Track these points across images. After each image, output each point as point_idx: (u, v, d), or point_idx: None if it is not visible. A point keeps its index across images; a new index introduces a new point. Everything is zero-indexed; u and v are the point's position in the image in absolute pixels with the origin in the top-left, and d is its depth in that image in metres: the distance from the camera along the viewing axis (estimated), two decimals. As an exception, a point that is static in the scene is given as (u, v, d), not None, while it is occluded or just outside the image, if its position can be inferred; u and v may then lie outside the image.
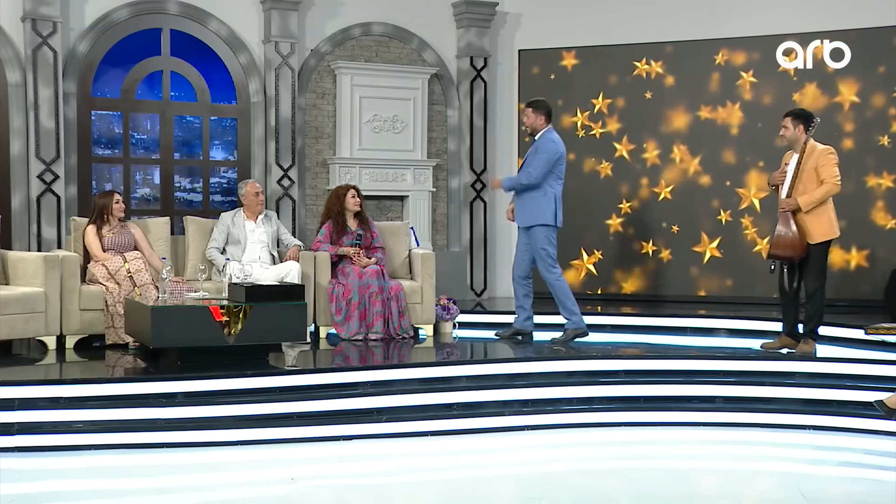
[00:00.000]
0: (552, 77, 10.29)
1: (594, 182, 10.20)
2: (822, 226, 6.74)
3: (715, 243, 9.86)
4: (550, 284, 7.59)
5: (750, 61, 9.72)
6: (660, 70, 9.96)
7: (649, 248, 10.02)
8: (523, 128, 7.63)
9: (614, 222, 10.18)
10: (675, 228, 9.95)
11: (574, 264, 10.28)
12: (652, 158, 10.02)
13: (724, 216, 9.77)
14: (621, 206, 10.14)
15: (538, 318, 7.99)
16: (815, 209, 6.71)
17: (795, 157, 6.83)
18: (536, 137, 7.57)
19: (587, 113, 10.17)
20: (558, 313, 8.85)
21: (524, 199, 7.57)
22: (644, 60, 9.97)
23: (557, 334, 7.66)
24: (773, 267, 6.94)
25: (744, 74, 9.72)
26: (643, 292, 10.05)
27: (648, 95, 9.98)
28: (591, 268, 10.24)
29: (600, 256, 10.20)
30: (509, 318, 7.95)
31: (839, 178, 6.70)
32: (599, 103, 10.15)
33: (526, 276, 7.72)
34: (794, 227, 6.69)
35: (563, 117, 10.24)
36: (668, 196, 9.99)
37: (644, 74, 10.00)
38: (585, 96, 10.20)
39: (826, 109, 9.33)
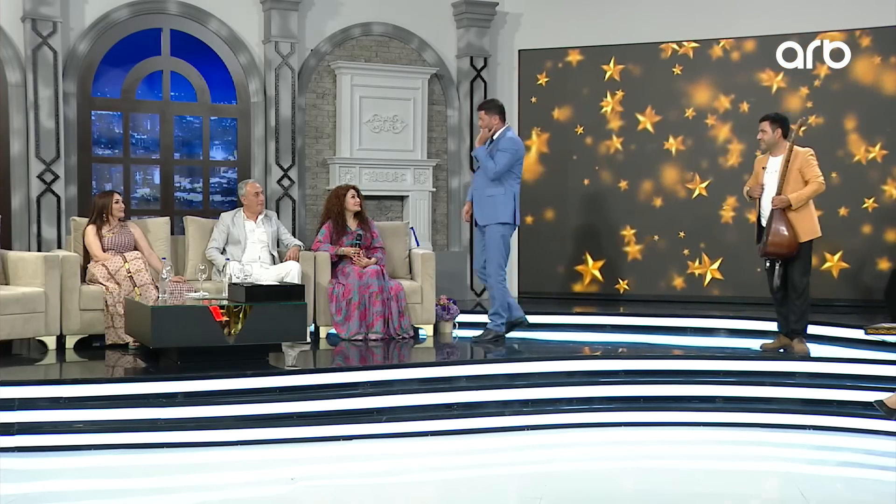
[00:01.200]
0: (560, 66, 10.27)
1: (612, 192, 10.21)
2: (809, 224, 6.91)
3: (716, 264, 9.85)
4: (491, 285, 7.63)
5: (751, 61, 9.73)
6: (683, 50, 9.96)
7: (694, 268, 10.01)
8: (484, 131, 7.68)
9: (630, 244, 10.18)
10: (682, 234, 9.95)
11: (579, 269, 10.27)
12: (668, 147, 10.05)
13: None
14: (628, 230, 10.13)
15: (537, 318, 7.99)
16: (801, 208, 6.87)
17: (774, 160, 6.99)
18: (495, 137, 7.60)
19: (619, 96, 10.10)
20: (557, 313, 8.92)
21: (484, 197, 7.58)
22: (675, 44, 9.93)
23: (556, 334, 7.65)
24: (767, 264, 7.01)
25: (749, 74, 9.74)
26: (643, 292, 10.05)
27: (677, 70, 9.93)
28: (597, 273, 10.22)
29: (628, 277, 10.20)
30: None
31: (822, 177, 6.91)
32: (611, 69, 10.11)
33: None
34: (787, 226, 6.81)
35: (556, 111, 10.26)
36: (704, 192, 9.93)
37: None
38: (589, 93, 10.21)
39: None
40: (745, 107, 9.71)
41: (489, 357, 7.18)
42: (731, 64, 9.78)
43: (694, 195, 9.90)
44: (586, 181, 10.23)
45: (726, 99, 9.79)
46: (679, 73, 9.92)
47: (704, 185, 9.87)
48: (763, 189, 7.00)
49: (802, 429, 6.40)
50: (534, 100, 10.34)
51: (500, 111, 7.66)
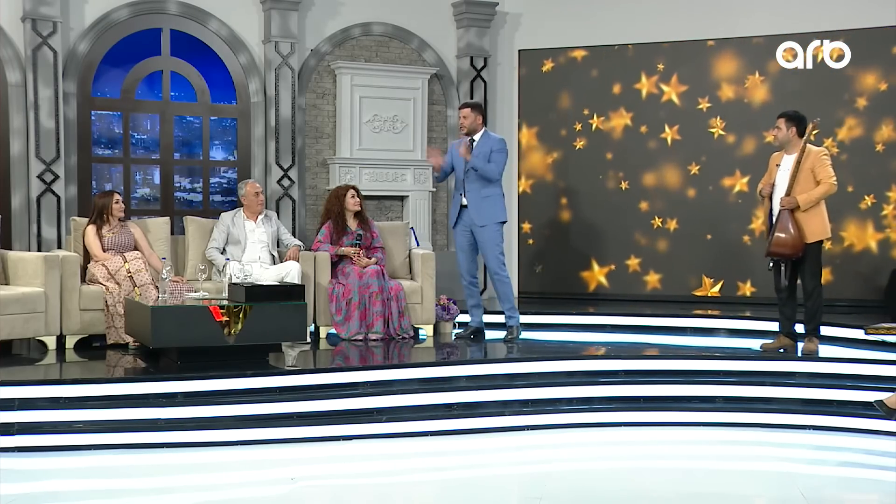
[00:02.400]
0: (563, 63, 10.27)
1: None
2: (817, 225, 6.86)
3: (717, 287, 9.82)
4: (500, 280, 7.69)
5: (750, 61, 9.73)
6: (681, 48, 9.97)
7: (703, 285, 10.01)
8: (464, 130, 7.71)
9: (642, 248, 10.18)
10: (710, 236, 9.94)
11: (584, 276, 10.24)
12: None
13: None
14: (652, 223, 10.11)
15: (537, 319, 7.96)
16: (810, 209, 6.82)
17: (787, 158, 6.95)
18: (477, 137, 7.67)
19: (654, 77, 10.01)
20: (557, 312, 8.91)
21: (480, 199, 7.62)
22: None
23: (556, 334, 7.64)
24: (771, 265, 7.00)
25: (750, 76, 9.73)
26: (643, 292, 10.05)
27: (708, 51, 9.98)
28: (603, 280, 10.20)
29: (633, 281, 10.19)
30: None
31: (835, 178, 6.85)
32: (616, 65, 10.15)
33: (476, 276, 7.88)
34: (793, 226, 6.76)
35: (558, 110, 10.26)
36: (745, 188, 9.77)
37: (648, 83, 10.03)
38: (593, 92, 10.21)
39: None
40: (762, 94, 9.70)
41: (489, 357, 7.18)
42: (733, 62, 9.79)
43: (735, 189, 9.81)
44: (596, 181, 10.24)
45: (729, 88, 9.77)
46: (685, 69, 9.95)
47: (745, 180, 9.71)
48: (774, 188, 6.97)
49: (802, 429, 6.40)
50: (547, 66, 10.25)
51: (483, 113, 7.80)
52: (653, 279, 10.01)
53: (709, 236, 9.85)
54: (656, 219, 9.99)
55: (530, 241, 10.38)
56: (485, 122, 7.78)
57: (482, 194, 7.61)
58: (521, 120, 10.40)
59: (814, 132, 7.05)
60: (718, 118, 9.82)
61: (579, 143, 10.23)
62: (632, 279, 10.08)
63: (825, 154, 6.88)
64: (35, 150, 8.50)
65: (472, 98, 9.99)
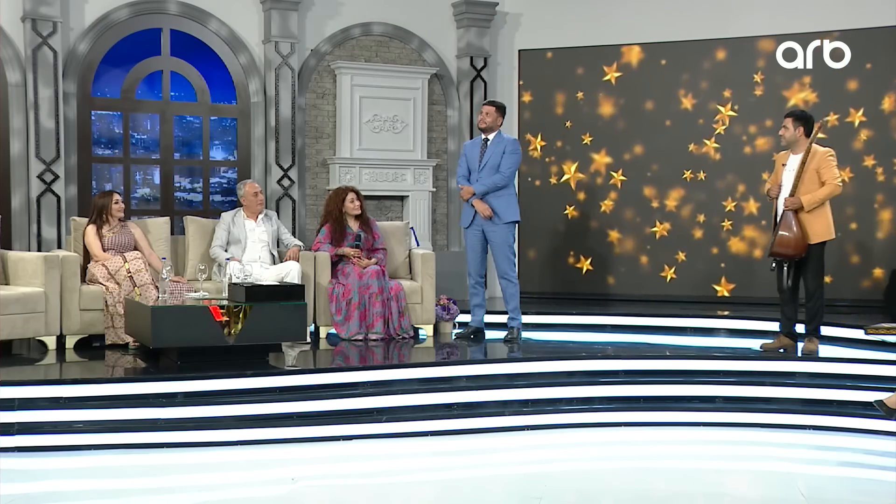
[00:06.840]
0: (562, 65, 10.29)
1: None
2: (822, 226, 6.84)
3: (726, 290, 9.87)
4: (510, 281, 7.71)
5: (750, 60, 9.73)
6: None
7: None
8: (482, 126, 7.71)
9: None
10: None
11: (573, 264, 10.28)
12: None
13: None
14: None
15: (537, 318, 7.94)
16: (815, 210, 6.79)
17: (794, 158, 6.92)
18: (491, 137, 7.69)
19: (653, 77, 10.01)
20: (557, 313, 8.91)
21: (494, 197, 7.63)
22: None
23: (556, 334, 7.65)
24: (773, 265, 6.98)
25: (755, 76, 9.72)
26: (642, 292, 10.05)
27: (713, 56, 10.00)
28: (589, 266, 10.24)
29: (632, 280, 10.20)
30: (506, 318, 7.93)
31: (840, 179, 6.83)
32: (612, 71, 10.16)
33: (483, 276, 7.88)
34: (796, 227, 6.74)
35: (558, 112, 10.27)
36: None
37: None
38: (591, 93, 10.22)
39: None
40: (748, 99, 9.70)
41: (489, 357, 7.18)
42: (733, 62, 9.79)
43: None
44: (597, 180, 10.25)
45: (731, 87, 9.79)
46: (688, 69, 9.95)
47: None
48: (780, 189, 6.93)
49: (802, 429, 6.40)
50: (547, 66, 10.28)
51: (504, 114, 7.81)
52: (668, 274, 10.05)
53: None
54: (658, 225, 10.01)
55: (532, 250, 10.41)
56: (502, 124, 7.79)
57: (495, 194, 7.63)
58: (521, 120, 10.40)
59: (820, 131, 7.01)
60: (720, 118, 9.82)
61: (580, 141, 10.24)
62: (639, 280, 10.11)
63: (831, 155, 6.83)
64: (35, 150, 8.50)
65: (475, 97, 10.04)
